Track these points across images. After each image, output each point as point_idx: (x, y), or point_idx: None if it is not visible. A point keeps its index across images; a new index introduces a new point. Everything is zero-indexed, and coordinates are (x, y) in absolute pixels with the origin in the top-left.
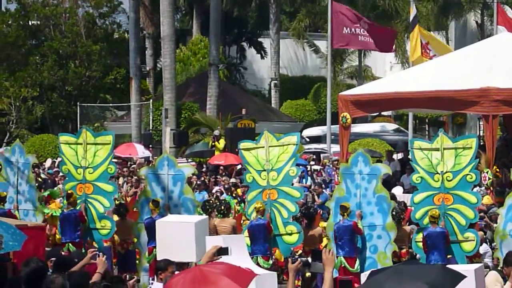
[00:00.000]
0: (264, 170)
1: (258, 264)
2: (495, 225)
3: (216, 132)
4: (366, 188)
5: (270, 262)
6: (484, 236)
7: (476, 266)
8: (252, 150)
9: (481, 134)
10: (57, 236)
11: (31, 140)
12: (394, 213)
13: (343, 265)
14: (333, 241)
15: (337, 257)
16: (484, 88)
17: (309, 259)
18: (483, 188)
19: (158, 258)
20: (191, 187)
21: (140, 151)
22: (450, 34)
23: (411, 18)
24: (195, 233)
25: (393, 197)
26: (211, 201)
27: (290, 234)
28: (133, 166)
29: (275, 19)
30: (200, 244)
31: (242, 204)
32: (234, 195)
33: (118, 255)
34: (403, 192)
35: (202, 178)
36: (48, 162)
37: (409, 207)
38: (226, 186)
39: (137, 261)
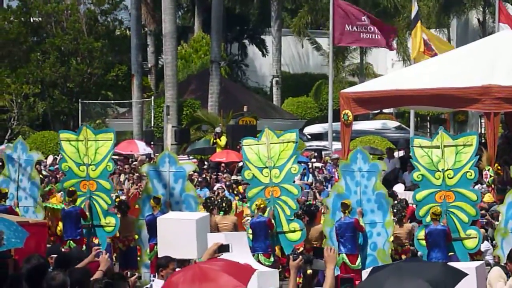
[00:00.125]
0: (266, 167)
1: (259, 261)
2: (496, 222)
3: (218, 129)
4: (366, 185)
5: (271, 259)
6: (486, 234)
7: (477, 264)
8: (253, 146)
9: (483, 131)
10: (59, 228)
11: (33, 137)
12: (395, 210)
13: (344, 262)
14: (330, 238)
15: (338, 254)
16: (486, 86)
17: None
18: (484, 185)
19: (159, 255)
20: (192, 184)
21: (142, 148)
22: (452, 32)
23: (412, 16)
24: (196, 230)
25: (394, 194)
26: (212, 198)
27: (294, 231)
28: (134, 163)
29: (277, 16)
30: (202, 241)
31: (243, 202)
32: (235, 192)
33: (119, 252)
34: (405, 190)
35: (204, 175)
36: (49, 159)
37: (410, 205)
38: (227, 183)
39: (138, 258)
